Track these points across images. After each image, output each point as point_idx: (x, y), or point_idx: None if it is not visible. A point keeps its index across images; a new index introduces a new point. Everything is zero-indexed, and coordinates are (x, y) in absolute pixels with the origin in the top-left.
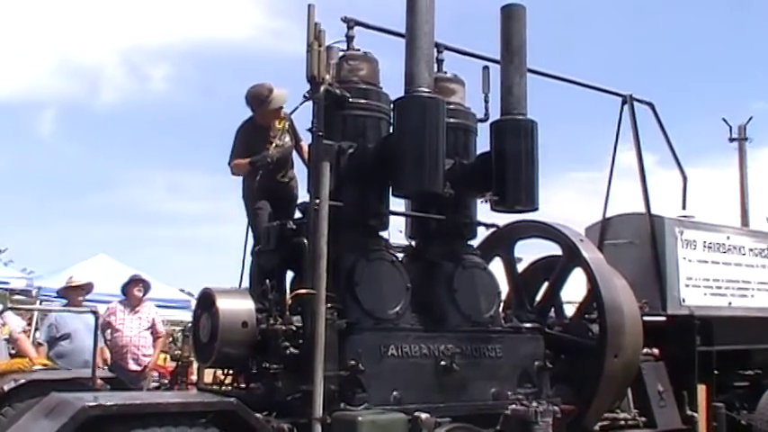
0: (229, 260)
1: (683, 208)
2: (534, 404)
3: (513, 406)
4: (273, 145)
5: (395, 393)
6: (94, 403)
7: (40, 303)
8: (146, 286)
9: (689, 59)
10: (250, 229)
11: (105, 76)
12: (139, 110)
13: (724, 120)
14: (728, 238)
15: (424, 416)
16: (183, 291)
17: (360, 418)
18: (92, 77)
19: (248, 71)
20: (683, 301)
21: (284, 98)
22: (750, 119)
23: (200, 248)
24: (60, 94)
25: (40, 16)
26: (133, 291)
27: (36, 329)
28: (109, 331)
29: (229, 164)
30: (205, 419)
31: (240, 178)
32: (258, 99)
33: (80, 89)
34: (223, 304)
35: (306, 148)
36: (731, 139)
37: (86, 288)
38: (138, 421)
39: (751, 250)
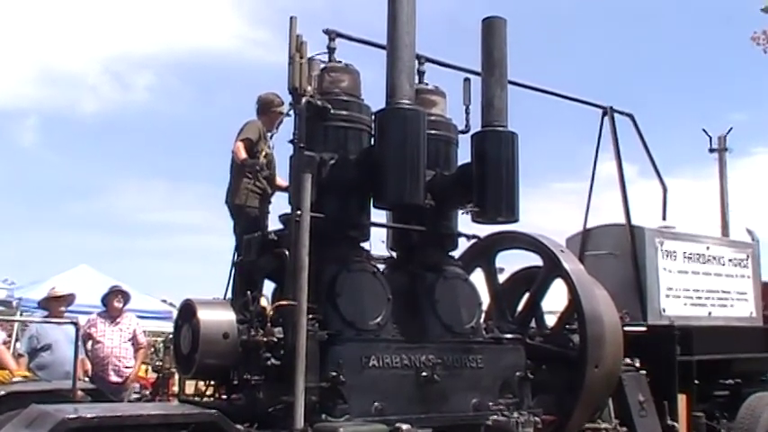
0: (212, 270)
1: (664, 219)
2: (515, 415)
3: (495, 417)
4: (264, 153)
5: (376, 404)
6: (75, 415)
7: (21, 314)
8: (125, 297)
9: (668, 71)
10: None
11: (87, 85)
12: (122, 119)
13: (704, 130)
14: (708, 248)
15: (405, 427)
16: (164, 301)
17: (341, 430)
18: (74, 86)
19: (231, 81)
20: (664, 311)
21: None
22: (730, 129)
23: (182, 259)
24: (42, 103)
25: (21, 25)
26: (113, 302)
27: (17, 341)
28: (90, 343)
29: (235, 143)
30: (186, 431)
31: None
32: (271, 104)
33: (62, 98)
34: (204, 315)
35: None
36: (711, 150)
37: (68, 299)
38: None
39: (730, 260)
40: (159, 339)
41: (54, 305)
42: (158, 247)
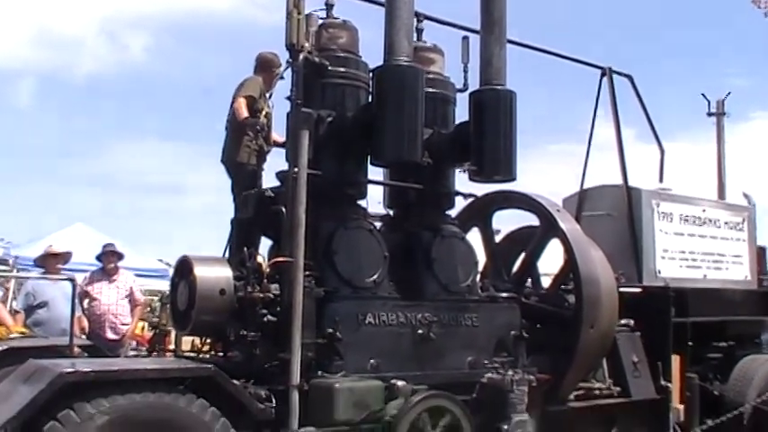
0: (210, 230)
1: (660, 181)
2: (510, 373)
3: (489, 374)
4: (264, 113)
5: (372, 361)
6: (72, 369)
7: (18, 272)
8: (119, 257)
9: (668, 35)
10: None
11: (84, 45)
12: (118, 80)
13: (703, 95)
14: (704, 210)
15: (400, 383)
16: (160, 261)
17: (337, 385)
18: (70, 47)
19: (228, 41)
20: (659, 272)
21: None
22: (728, 94)
23: (178, 218)
24: (38, 64)
25: None
26: (108, 260)
27: (13, 299)
28: (87, 300)
29: (234, 99)
30: (182, 386)
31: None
32: (271, 63)
33: (58, 59)
34: (201, 272)
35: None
36: (709, 114)
37: (65, 257)
38: (115, 387)
39: (726, 223)
40: (155, 298)
41: (51, 262)
42: (154, 206)
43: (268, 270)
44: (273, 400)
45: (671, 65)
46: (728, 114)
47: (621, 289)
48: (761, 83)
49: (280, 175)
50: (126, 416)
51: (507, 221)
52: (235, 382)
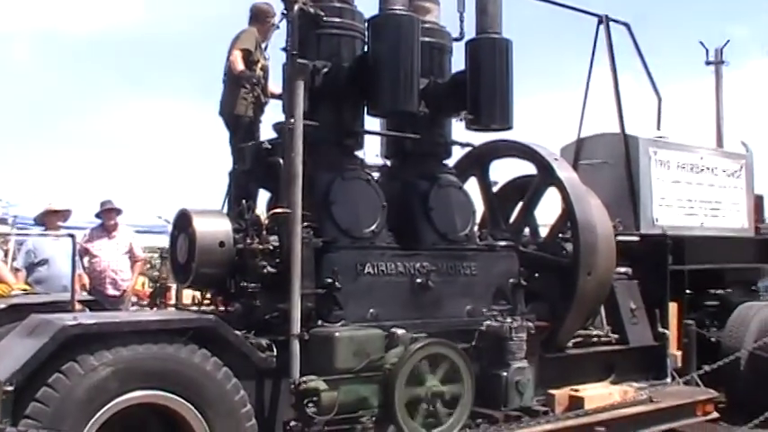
0: (210, 186)
1: (658, 129)
2: (509, 320)
3: (488, 322)
4: (260, 66)
5: (371, 310)
6: (75, 323)
7: (17, 230)
8: (117, 212)
9: None
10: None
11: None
12: (115, 35)
13: (701, 43)
14: (702, 158)
15: (400, 332)
16: (160, 217)
17: (337, 334)
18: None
19: None
20: (656, 220)
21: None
22: (727, 42)
23: (177, 175)
24: (34, 21)
25: None
26: (107, 216)
27: (13, 260)
28: (87, 257)
29: (230, 52)
30: (184, 336)
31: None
32: (266, 14)
33: (54, 15)
34: (200, 225)
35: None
36: (708, 63)
37: (65, 214)
38: (118, 339)
39: (724, 171)
40: (155, 255)
41: (51, 219)
42: (153, 163)
43: (267, 222)
44: (275, 350)
45: (669, 13)
46: (727, 63)
47: (619, 237)
48: (760, 32)
49: (276, 126)
50: (129, 367)
51: (505, 171)
52: (236, 332)
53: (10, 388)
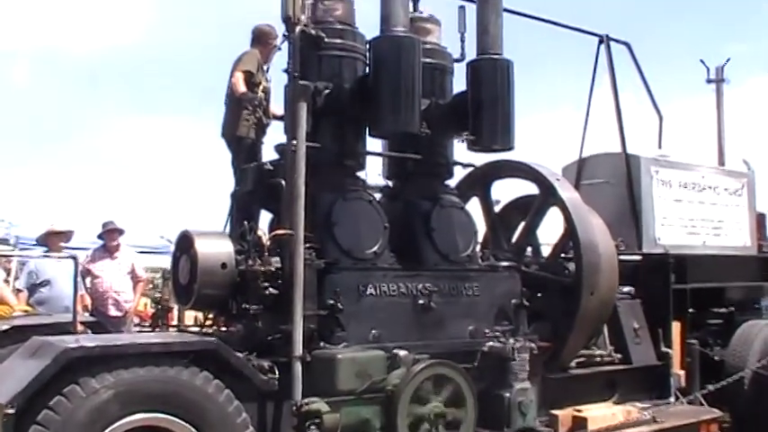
0: (212, 207)
1: (659, 147)
2: (511, 341)
3: (491, 343)
4: (262, 88)
5: (373, 332)
6: (76, 345)
7: (19, 251)
8: (120, 233)
9: (666, 1)
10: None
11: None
12: (114, 56)
13: (701, 61)
14: (704, 177)
15: (402, 353)
16: (162, 237)
17: (339, 356)
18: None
19: (225, 15)
20: (659, 239)
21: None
22: (728, 60)
23: (181, 195)
24: (35, 40)
25: None
26: (109, 237)
27: (16, 278)
28: (89, 278)
29: (232, 73)
30: (186, 359)
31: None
32: (268, 36)
33: (55, 34)
34: (202, 246)
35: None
36: (708, 81)
37: (67, 235)
38: (119, 362)
39: (726, 189)
40: (157, 275)
41: (53, 240)
42: (156, 183)
43: (269, 243)
44: (277, 372)
45: (669, 31)
46: (728, 81)
47: (621, 256)
48: (760, 49)
49: (278, 147)
50: (131, 390)
51: (507, 191)
52: (238, 354)
53: (11, 411)
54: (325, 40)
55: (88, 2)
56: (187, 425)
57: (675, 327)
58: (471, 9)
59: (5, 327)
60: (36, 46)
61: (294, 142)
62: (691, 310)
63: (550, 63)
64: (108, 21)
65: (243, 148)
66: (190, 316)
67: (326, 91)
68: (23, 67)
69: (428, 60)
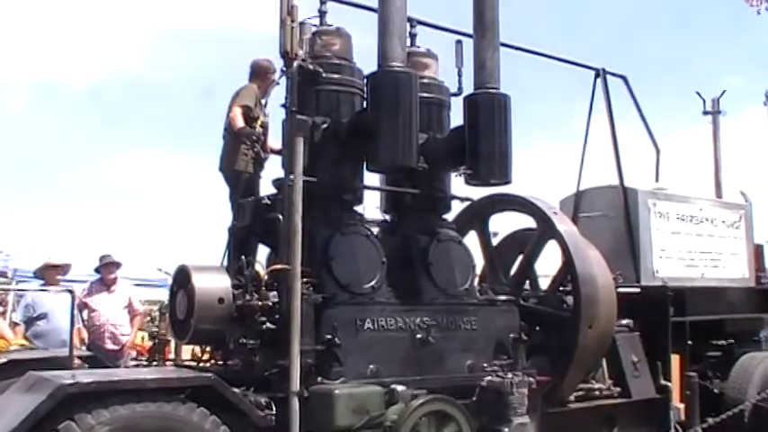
0: (209, 239)
1: (657, 180)
2: (510, 375)
3: (489, 377)
4: (260, 122)
5: (371, 367)
6: (72, 381)
7: (16, 284)
8: (117, 266)
9: (662, 34)
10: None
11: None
12: (112, 87)
13: (697, 93)
14: (701, 209)
15: (400, 388)
16: (160, 270)
17: (337, 391)
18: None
19: (224, 50)
20: (657, 272)
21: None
22: (723, 92)
23: (179, 228)
24: (32, 72)
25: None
26: (107, 273)
27: (12, 311)
28: (86, 312)
29: (230, 108)
30: (183, 395)
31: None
32: (267, 70)
33: (52, 65)
34: (199, 281)
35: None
36: (705, 113)
37: (65, 269)
38: (116, 398)
39: (723, 221)
40: (155, 308)
41: (50, 274)
42: (154, 215)
43: (266, 278)
44: (274, 408)
45: (665, 64)
46: (724, 112)
47: (619, 289)
48: (756, 81)
49: (276, 182)
50: (127, 426)
51: (505, 225)
52: (235, 390)
53: None
54: (323, 74)
55: (87, 33)
56: None
57: (675, 359)
58: (468, 44)
59: (2, 360)
60: (35, 77)
61: (292, 176)
62: (690, 343)
63: (547, 97)
64: (106, 51)
65: (241, 182)
66: (187, 350)
67: (324, 125)
68: (22, 98)
69: (425, 95)
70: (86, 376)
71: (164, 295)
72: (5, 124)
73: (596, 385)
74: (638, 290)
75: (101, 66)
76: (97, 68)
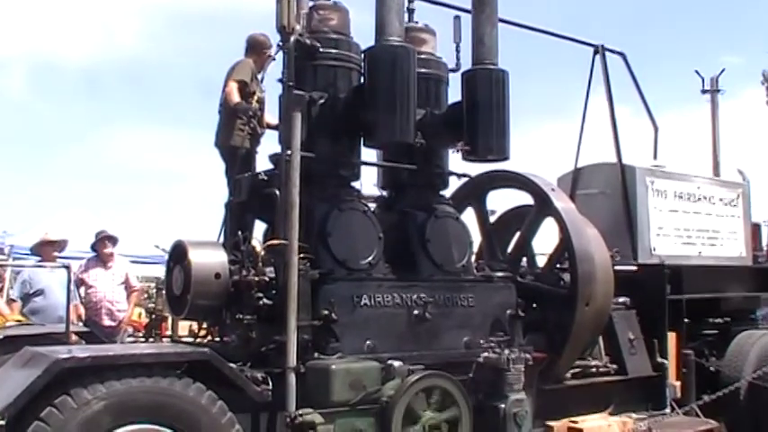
0: (206, 216)
1: (655, 158)
2: (506, 352)
3: (486, 354)
4: (256, 98)
5: (368, 342)
6: (68, 356)
7: (13, 261)
8: (113, 241)
9: (662, 12)
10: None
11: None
12: (109, 65)
13: (696, 72)
14: (699, 187)
15: (396, 364)
16: (157, 247)
17: (333, 366)
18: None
19: (219, 26)
20: (654, 250)
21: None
22: (722, 71)
23: (175, 204)
24: (29, 52)
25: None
26: (103, 247)
27: (10, 287)
28: (83, 288)
29: (225, 83)
30: (179, 370)
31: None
32: (263, 45)
33: (50, 43)
34: (196, 256)
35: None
36: (703, 91)
37: (61, 245)
38: (112, 372)
39: (721, 200)
40: (152, 285)
41: (47, 250)
42: (151, 192)
43: (263, 253)
44: (270, 383)
45: (664, 42)
46: (723, 91)
47: (616, 267)
48: (755, 60)
49: (273, 157)
50: (123, 401)
51: (502, 201)
52: (231, 365)
53: (1, 422)
54: (320, 49)
55: (84, 10)
56: None
57: (671, 337)
58: (467, 19)
59: None
60: (32, 54)
61: (289, 152)
62: (686, 321)
63: (546, 73)
64: (103, 28)
65: (237, 157)
66: (184, 326)
67: (321, 101)
68: (20, 76)
69: (423, 70)
70: (82, 351)
71: (161, 272)
72: (3, 102)
73: (593, 362)
74: (635, 267)
75: (98, 44)
76: (95, 46)
